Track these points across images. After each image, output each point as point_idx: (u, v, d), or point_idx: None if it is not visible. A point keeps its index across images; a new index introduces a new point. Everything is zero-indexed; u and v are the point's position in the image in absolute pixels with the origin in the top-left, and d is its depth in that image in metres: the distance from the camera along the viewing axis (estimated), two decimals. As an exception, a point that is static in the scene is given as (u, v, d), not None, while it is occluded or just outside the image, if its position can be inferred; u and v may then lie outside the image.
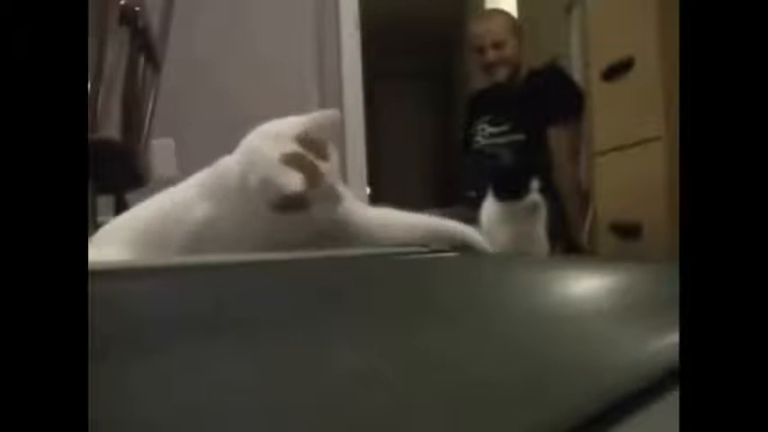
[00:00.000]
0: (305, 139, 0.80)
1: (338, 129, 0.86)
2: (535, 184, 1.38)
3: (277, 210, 0.78)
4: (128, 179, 1.49)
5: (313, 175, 0.78)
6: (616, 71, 1.47)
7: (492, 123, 2.21)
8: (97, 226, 0.90)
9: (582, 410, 0.27)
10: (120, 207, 1.49)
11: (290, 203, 0.78)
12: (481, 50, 2.21)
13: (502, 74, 2.20)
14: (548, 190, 1.45)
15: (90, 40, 1.24)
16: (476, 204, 1.83)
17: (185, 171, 0.96)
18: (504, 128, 2.16)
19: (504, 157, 1.83)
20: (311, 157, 0.79)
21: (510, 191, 1.44)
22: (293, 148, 0.78)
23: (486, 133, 2.22)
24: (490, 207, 1.50)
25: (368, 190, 2.94)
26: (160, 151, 2.30)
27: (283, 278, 0.57)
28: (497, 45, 2.17)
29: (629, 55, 1.40)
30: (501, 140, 2.16)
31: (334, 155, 0.83)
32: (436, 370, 0.29)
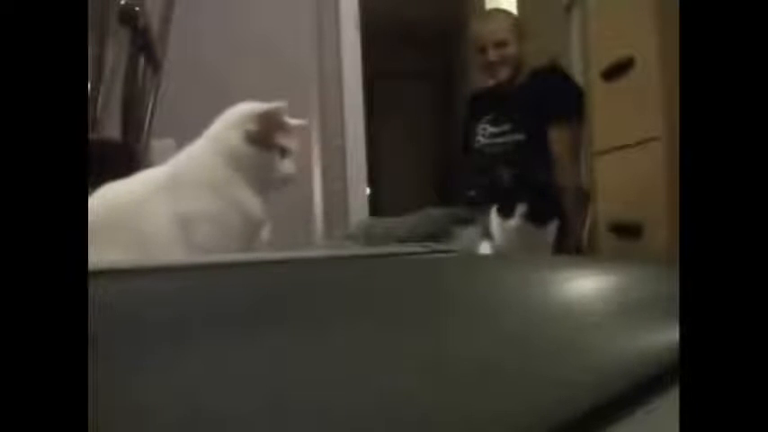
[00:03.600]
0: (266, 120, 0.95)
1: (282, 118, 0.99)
2: (521, 209, 1.40)
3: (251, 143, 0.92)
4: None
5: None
6: (616, 71, 1.47)
7: (493, 123, 2.21)
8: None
9: (581, 406, 0.27)
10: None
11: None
12: (483, 50, 2.21)
13: (503, 73, 2.19)
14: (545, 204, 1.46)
15: (90, 40, 1.24)
16: (476, 204, 1.83)
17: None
18: (504, 127, 2.16)
19: (504, 177, 1.83)
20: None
21: (501, 210, 1.46)
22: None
23: (486, 133, 2.22)
24: (494, 219, 1.51)
25: (368, 190, 2.94)
26: (161, 151, 2.30)
27: (282, 277, 0.57)
28: (499, 45, 2.17)
29: (629, 55, 1.40)
30: (501, 140, 2.16)
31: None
32: (434, 367, 0.29)
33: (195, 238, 0.87)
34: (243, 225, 0.93)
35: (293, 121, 1.00)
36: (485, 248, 1.55)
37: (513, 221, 1.43)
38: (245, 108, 0.96)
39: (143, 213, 0.88)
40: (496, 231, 1.49)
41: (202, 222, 0.89)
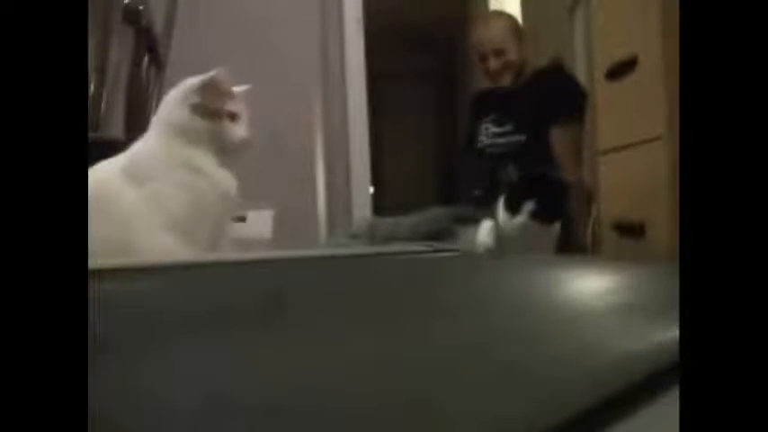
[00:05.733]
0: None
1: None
2: (529, 206, 1.39)
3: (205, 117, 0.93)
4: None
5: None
6: (620, 70, 1.47)
7: (496, 123, 2.20)
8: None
9: (581, 405, 0.27)
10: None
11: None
12: (483, 58, 2.22)
13: (506, 80, 2.21)
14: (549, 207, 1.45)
15: (94, 39, 1.24)
16: (478, 203, 1.83)
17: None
18: (507, 128, 2.16)
19: (511, 173, 1.81)
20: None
21: (509, 207, 1.45)
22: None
23: (489, 133, 2.22)
24: (502, 214, 1.50)
25: (371, 189, 2.94)
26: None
27: (285, 276, 0.58)
28: (498, 53, 2.18)
29: (633, 54, 1.40)
30: (504, 140, 2.16)
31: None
32: (432, 366, 0.29)
33: (168, 216, 0.88)
34: (213, 196, 0.93)
35: (236, 88, 1.01)
36: (485, 235, 1.53)
37: (520, 218, 1.42)
38: (187, 82, 0.97)
39: (113, 196, 0.89)
40: (503, 224, 1.48)
41: (173, 197, 0.89)
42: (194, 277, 0.57)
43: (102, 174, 0.92)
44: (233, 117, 0.96)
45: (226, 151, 0.96)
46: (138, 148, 0.97)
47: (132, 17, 1.28)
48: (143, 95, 1.45)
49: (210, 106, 0.94)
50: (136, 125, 1.41)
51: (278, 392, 0.26)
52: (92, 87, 1.25)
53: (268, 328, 0.36)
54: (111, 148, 1.29)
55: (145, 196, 0.88)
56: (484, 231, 1.54)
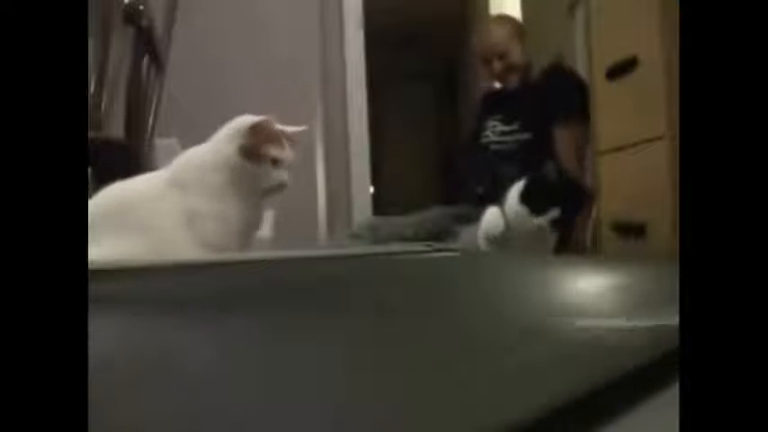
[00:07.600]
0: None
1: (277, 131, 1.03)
2: (554, 213, 1.39)
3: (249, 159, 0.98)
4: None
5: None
6: (620, 70, 1.47)
7: (504, 122, 2.21)
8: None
9: (581, 402, 0.27)
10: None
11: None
12: (487, 62, 2.23)
13: (512, 82, 2.22)
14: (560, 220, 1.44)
15: (94, 39, 1.24)
16: (481, 202, 1.83)
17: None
18: (514, 126, 2.16)
19: (549, 170, 1.77)
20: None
21: (529, 202, 1.44)
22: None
23: (497, 131, 2.22)
24: (515, 204, 1.48)
25: (371, 189, 2.94)
26: (164, 151, 2.30)
27: (286, 276, 0.58)
28: (502, 56, 2.20)
29: (633, 54, 1.40)
30: (509, 138, 2.17)
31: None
32: (432, 365, 0.29)
33: (201, 234, 0.93)
34: (243, 227, 0.99)
35: (290, 129, 1.03)
36: (495, 219, 1.52)
37: (540, 220, 1.41)
38: (241, 121, 1.01)
39: (150, 206, 0.93)
40: (513, 216, 1.46)
41: (208, 219, 0.94)
42: (193, 277, 0.57)
43: (145, 184, 0.98)
44: (275, 162, 1.00)
45: (260, 192, 1.01)
46: (185, 164, 1.01)
47: (132, 17, 1.28)
48: (143, 95, 1.45)
49: (255, 149, 0.98)
50: (136, 125, 1.41)
51: (279, 391, 0.26)
52: (92, 87, 1.25)
53: (266, 329, 0.36)
54: (111, 148, 1.29)
55: (183, 211, 0.93)
56: (492, 216, 1.53)
